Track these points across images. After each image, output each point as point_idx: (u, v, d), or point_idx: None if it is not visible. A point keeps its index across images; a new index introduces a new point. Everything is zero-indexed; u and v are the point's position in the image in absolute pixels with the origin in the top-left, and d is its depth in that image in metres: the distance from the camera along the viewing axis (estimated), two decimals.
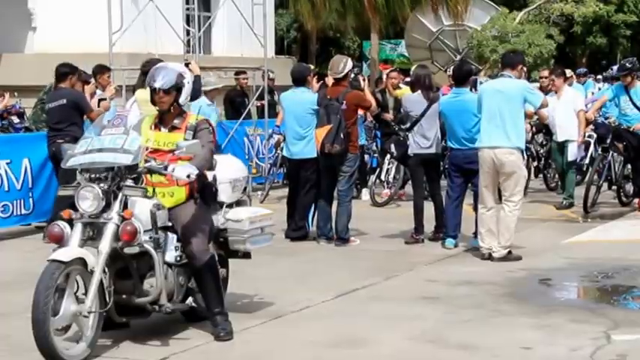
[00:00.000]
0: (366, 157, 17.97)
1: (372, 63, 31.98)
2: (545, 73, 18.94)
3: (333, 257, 11.71)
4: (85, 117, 13.11)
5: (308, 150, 12.73)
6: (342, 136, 12.03)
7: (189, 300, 8.03)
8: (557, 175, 17.48)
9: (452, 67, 16.66)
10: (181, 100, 7.93)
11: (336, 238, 12.45)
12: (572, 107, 15.67)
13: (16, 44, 26.42)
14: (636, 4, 49.95)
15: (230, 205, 8.49)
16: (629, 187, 16.01)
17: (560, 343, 7.74)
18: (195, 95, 13.24)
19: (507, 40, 31.83)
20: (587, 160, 16.98)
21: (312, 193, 12.85)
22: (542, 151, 18.23)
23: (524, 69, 17.33)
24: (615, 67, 20.11)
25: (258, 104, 19.12)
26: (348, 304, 9.23)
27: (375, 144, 18.30)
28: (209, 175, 8.21)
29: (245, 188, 8.88)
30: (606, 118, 16.37)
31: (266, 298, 9.40)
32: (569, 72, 22.08)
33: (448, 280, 10.17)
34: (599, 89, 22.01)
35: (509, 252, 11.20)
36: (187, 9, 17.83)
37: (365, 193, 17.17)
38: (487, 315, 8.67)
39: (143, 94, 12.79)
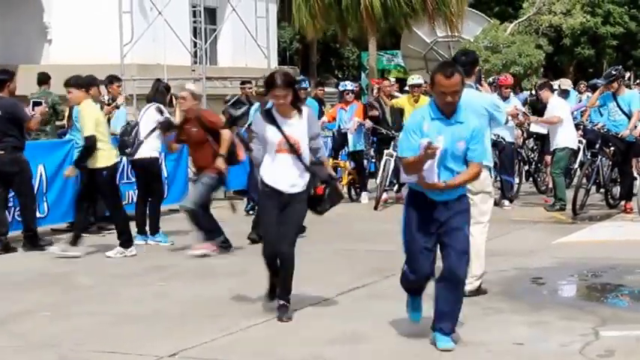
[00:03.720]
0: (365, 162, 17.99)
1: (371, 72, 31.98)
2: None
3: (334, 258, 11.68)
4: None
5: None
6: None
7: None
8: (546, 178, 17.56)
9: None
10: None
11: None
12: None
13: (32, 56, 26.46)
14: (622, 16, 50.03)
15: None
16: (617, 190, 16.00)
17: (551, 339, 7.72)
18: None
19: (499, 50, 31.92)
20: (576, 165, 16.98)
21: None
22: (532, 155, 18.26)
23: (511, 78, 17.39)
24: (600, 80, 20.13)
25: None
26: (348, 303, 9.21)
27: (372, 149, 18.31)
28: None
29: None
30: (594, 125, 16.37)
31: None
32: (568, 83, 22.11)
33: None
34: (580, 100, 22.00)
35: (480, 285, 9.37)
36: (194, 22, 17.87)
37: (364, 197, 17.16)
38: (481, 312, 8.64)
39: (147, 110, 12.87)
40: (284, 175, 8.40)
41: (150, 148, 12.78)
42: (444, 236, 7.36)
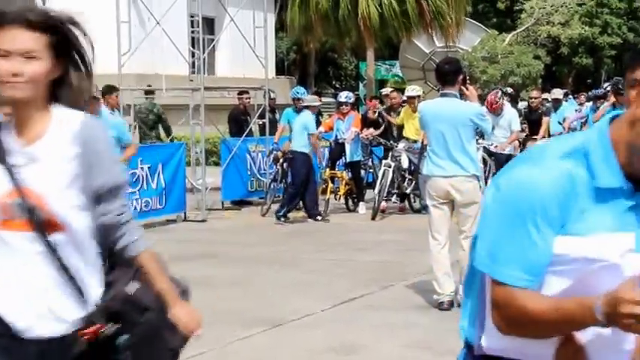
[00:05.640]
0: (362, 172, 18.05)
1: (369, 82, 32.05)
2: (535, 93, 19.05)
3: (331, 268, 11.73)
4: None
5: None
6: None
7: None
8: None
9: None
10: None
11: None
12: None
13: None
14: (620, 26, 50.19)
15: None
16: None
17: None
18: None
19: (497, 60, 32.04)
20: None
21: None
22: None
23: (511, 90, 17.54)
24: (599, 90, 20.21)
25: (260, 122, 19.22)
26: (345, 313, 9.26)
27: (371, 160, 18.38)
28: None
29: None
30: None
31: (268, 306, 9.44)
32: (559, 92, 22.17)
33: None
34: (576, 111, 22.07)
35: None
36: (192, 32, 17.90)
37: (362, 207, 17.21)
38: None
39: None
40: (21, 288, 3.29)
41: None
42: None
